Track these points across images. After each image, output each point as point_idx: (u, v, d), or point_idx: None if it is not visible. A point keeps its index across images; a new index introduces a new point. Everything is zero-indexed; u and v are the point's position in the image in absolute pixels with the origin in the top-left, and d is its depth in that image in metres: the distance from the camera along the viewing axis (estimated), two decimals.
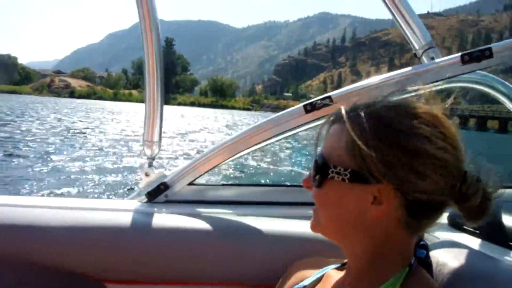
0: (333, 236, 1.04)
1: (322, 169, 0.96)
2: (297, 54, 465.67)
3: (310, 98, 1.64)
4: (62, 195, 9.21)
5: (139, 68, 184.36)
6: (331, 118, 0.98)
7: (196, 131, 32.30)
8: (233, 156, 1.62)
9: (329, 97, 1.40)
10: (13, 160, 13.34)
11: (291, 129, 1.51)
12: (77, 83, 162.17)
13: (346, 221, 0.98)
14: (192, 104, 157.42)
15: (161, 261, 1.53)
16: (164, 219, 1.59)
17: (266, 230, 1.58)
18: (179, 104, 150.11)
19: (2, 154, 14.15)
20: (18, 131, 22.67)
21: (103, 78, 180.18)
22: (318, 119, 1.46)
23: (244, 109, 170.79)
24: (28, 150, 15.77)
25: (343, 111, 0.93)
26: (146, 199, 1.71)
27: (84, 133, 24.59)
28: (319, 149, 0.95)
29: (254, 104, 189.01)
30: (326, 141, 0.94)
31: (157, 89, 1.56)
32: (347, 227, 0.99)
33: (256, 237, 1.58)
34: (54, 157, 14.20)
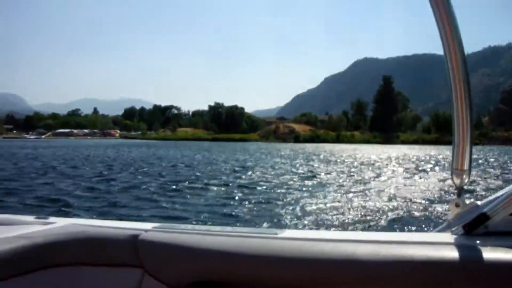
0: None
1: None
2: None
3: None
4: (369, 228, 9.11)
5: (359, 109, 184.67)
6: None
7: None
8: None
9: None
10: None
11: None
12: (300, 128, 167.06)
13: None
14: (415, 142, 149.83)
15: None
16: (489, 252, 1.43)
17: None
18: (403, 142, 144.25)
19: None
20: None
21: (324, 121, 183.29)
22: None
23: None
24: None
25: None
26: (461, 231, 1.55)
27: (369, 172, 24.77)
28: None
29: (481, 137, 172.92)
30: None
31: (466, 117, 1.43)
32: None
33: None
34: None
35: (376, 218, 10.15)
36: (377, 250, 1.38)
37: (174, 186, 15.87)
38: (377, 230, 7.65)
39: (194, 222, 8.77)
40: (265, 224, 9.20)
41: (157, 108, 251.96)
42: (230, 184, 16.75)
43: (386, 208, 11.51)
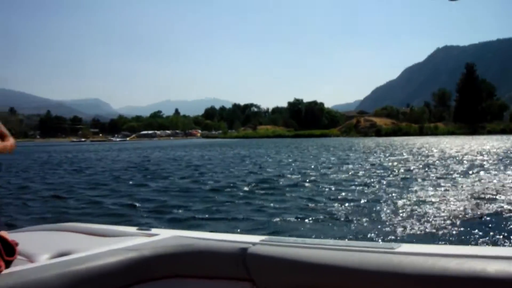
0: None
1: None
2: None
3: None
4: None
5: (441, 100, 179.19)
6: None
7: None
8: None
9: None
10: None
11: None
12: (382, 122, 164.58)
13: None
14: (503, 131, 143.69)
15: None
16: None
17: None
18: (489, 132, 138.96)
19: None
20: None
21: (405, 113, 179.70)
22: None
23: None
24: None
25: None
26: None
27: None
28: None
29: None
30: None
31: None
32: None
33: None
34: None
35: (508, 229, 8.45)
36: (511, 268, 1.25)
37: (272, 192, 14.43)
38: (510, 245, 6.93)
39: (299, 235, 7.74)
40: (370, 235, 8.15)
41: (236, 106, 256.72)
42: (334, 191, 14.40)
43: None
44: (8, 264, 1.60)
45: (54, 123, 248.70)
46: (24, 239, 1.83)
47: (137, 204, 12.09)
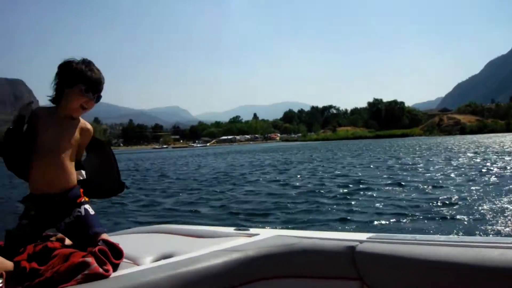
0: None
1: None
2: None
3: None
4: None
5: None
6: None
7: None
8: None
9: None
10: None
11: None
12: (466, 119, 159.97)
13: None
14: None
15: None
16: None
17: None
18: None
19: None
20: None
21: (490, 109, 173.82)
22: None
23: None
24: None
25: None
26: None
27: None
28: None
29: None
30: None
31: None
32: None
33: None
34: None
35: None
36: None
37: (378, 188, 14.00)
38: None
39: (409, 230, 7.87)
40: (481, 227, 7.75)
41: (315, 109, 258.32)
42: (441, 184, 14.17)
43: None
44: (115, 267, 1.65)
45: (136, 131, 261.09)
46: (124, 241, 1.87)
47: (232, 205, 12.04)
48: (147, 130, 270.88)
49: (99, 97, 2.00)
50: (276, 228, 6.90)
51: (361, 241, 1.70)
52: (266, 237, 2.00)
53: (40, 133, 1.95)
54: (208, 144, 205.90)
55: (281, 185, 16.71)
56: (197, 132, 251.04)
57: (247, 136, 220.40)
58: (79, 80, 1.93)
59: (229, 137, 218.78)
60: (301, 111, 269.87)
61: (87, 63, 1.97)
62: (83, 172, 2.12)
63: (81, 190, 2.03)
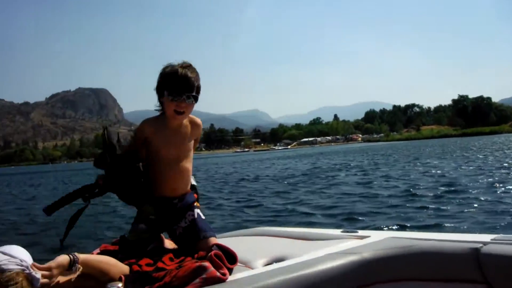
0: None
1: None
2: None
3: None
4: None
5: None
6: None
7: None
8: None
9: None
10: None
11: None
12: None
13: None
14: None
15: None
16: None
17: None
18: None
19: None
20: None
21: None
22: None
23: None
24: None
25: None
26: None
27: None
28: None
29: None
30: None
31: None
32: None
33: None
34: None
35: None
36: None
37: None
38: None
39: None
40: None
41: (397, 108, 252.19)
42: None
43: None
44: (230, 271, 1.66)
45: (218, 136, 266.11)
46: (230, 245, 1.84)
47: (329, 206, 11.59)
48: (228, 134, 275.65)
49: (193, 97, 1.95)
50: (384, 229, 6.75)
51: (485, 243, 1.62)
52: (378, 239, 1.95)
53: (159, 145, 1.96)
54: (289, 146, 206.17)
55: (373, 187, 15.69)
56: (278, 134, 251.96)
57: (328, 138, 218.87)
58: (164, 86, 1.91)
59: (310, 139, 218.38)
60: (383, 111, 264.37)
61: (172, 66, 1.93)
62: (192, 178, 2.12)
63: (195, 195, 2.07)
